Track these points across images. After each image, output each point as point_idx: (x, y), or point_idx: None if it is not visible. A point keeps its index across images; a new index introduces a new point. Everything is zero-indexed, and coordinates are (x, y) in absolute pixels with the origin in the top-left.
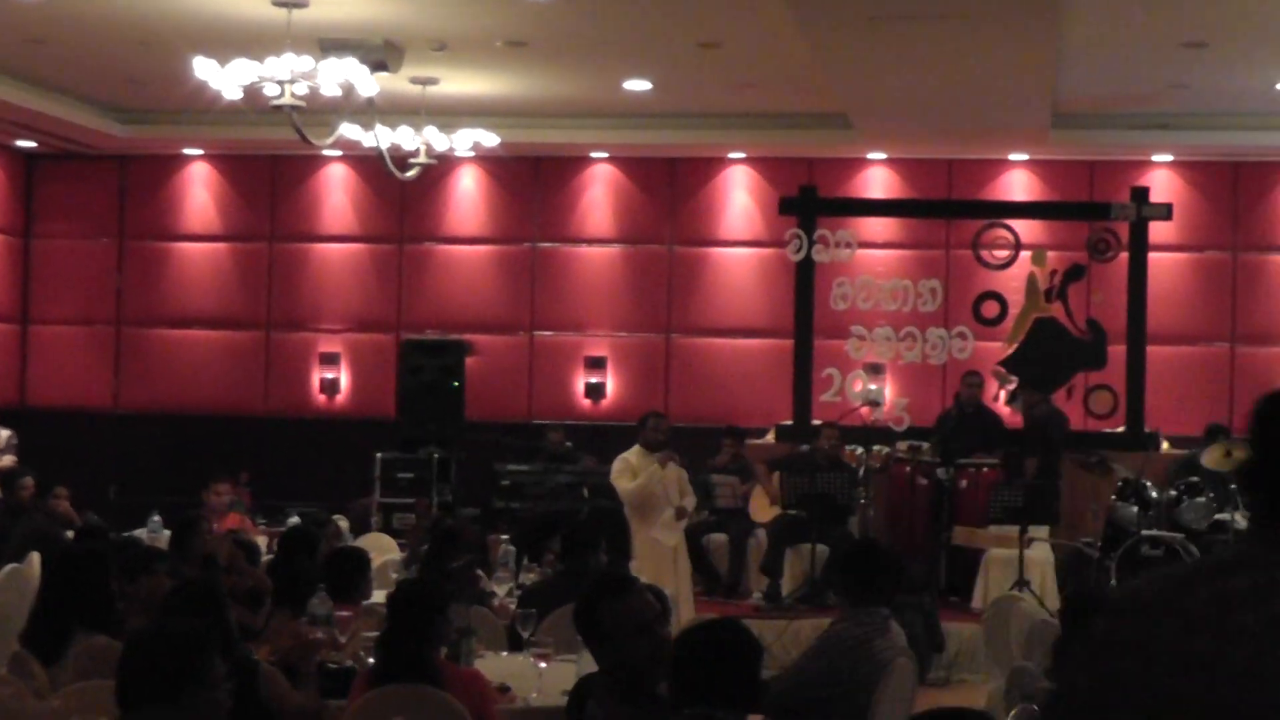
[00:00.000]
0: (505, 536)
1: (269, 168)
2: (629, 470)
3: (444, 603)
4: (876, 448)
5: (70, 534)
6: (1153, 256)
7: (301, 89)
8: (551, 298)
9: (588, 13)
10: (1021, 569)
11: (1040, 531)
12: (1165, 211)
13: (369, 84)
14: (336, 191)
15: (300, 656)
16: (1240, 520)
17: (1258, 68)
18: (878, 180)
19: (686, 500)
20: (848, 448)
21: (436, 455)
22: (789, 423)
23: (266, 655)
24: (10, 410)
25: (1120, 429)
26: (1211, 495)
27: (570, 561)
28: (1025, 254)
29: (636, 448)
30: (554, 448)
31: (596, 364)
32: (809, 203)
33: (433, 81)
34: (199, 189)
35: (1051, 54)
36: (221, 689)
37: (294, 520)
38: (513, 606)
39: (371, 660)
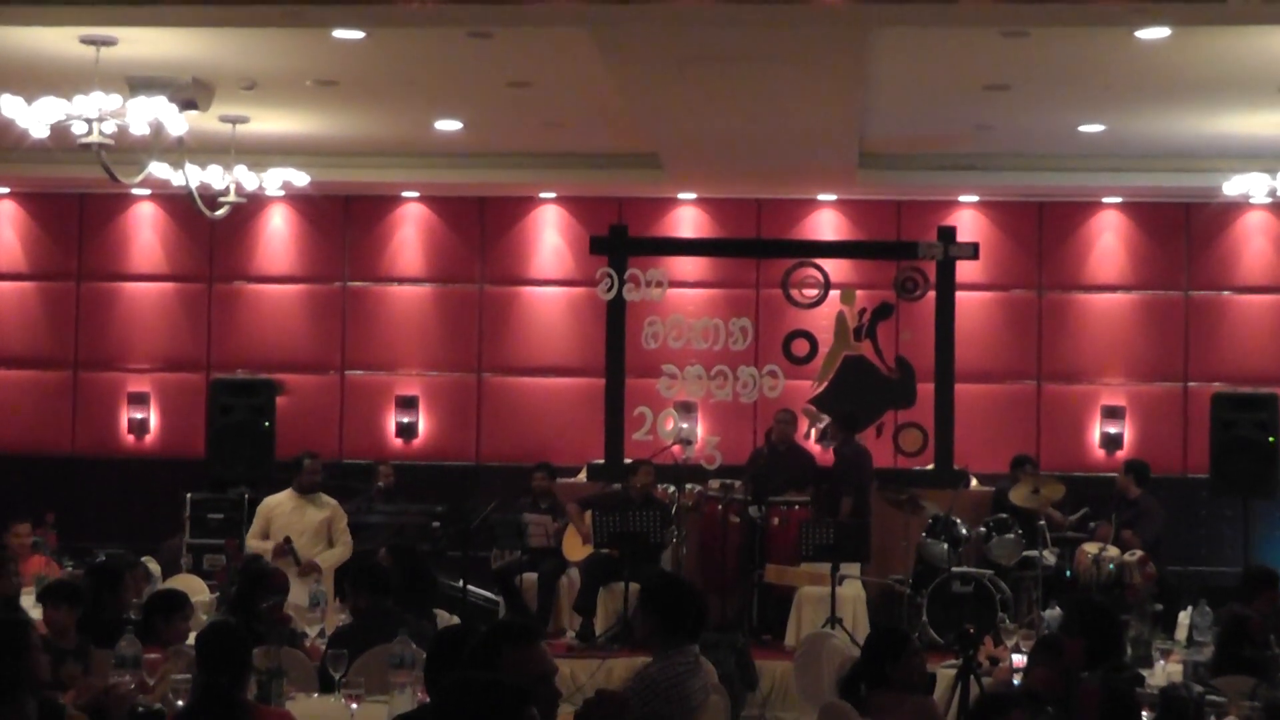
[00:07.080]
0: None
1: (77, 206)
2: (261, 519)
3: (251, 644)
4: (689, 486)
5: None
6: (960, 295)
7: (110, 127)
8: (362, 337)
9: (398, 52)
10: (833, 606)
11: (852, 569)
12: (972, 251)
13: (178, 122)
14: (145, 230)
15: (110, 702)
16: (1049, 556)
17: (1059, 110)
18: (688, 220)
19: (322, 555)
20: (660, 486)
21: (247, 495)
22: (601, 461)
23: (72, 700)
24: None
25: (930, 466)
26: (1020, 532)
27: (371, 603)
28: (834, 293)
29: (289, 491)
30: (385, 485)
31: (408, 403)
32: (619, 242)
33: (242, 120)
34: (5, 227)
35: (858, 96)
36: None
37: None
38: (324, 647)
39: (180, 703)
